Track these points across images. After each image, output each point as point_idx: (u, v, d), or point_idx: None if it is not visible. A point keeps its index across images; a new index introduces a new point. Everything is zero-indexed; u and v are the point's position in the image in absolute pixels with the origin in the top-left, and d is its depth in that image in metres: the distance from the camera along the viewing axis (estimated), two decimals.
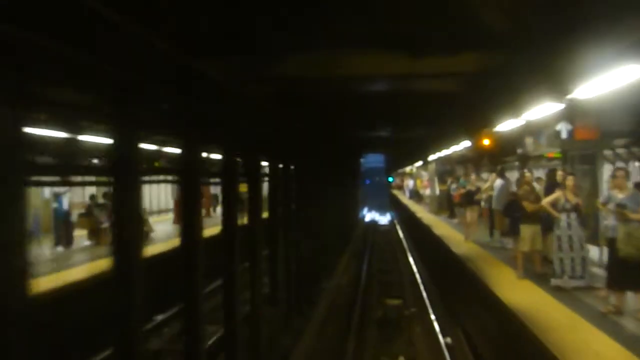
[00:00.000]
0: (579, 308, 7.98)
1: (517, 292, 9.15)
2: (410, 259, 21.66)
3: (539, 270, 10.29)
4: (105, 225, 16.34)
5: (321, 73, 6.71)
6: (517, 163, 16.32)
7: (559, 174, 10.45)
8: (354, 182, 33.25)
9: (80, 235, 16.14)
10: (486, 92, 8.89)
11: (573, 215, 8.97)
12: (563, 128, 9.57)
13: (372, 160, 57.81)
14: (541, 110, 8.11)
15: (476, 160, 24.33)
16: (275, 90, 7.64)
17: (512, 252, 12.24)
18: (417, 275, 18.00)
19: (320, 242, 15.75)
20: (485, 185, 14.92)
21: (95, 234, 16.26)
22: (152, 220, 21.25)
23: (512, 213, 11.80)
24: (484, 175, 23.45)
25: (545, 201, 9.29)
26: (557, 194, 9.19)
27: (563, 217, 8.97)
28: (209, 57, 6.20)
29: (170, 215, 23.66)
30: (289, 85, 7.61)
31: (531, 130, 11.26)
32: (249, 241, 8.40)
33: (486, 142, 12.74)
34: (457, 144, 16.11)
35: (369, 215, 50.13)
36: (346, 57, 6.47)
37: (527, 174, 10.50)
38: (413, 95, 9.00)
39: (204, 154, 6.77)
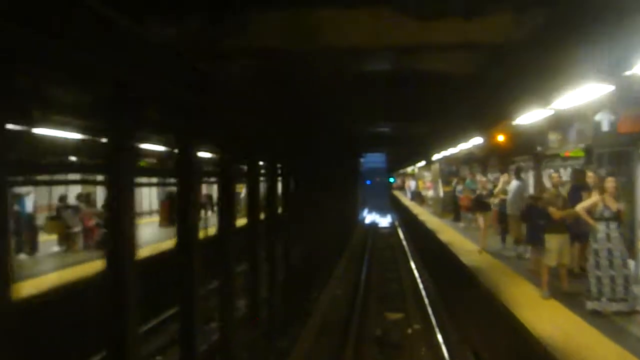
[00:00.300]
0: (624, 340, 6.42)
1: (544, 316, 7.58)
2: (412, 265, 20.08)
3: (565, 287, 8.73)
4: (77, 229, 14.88)
5: (301, 43, 5.17)
6: (521, 163, 14.68)
7: (590, 174, 8.89)
8: (352, 182, 31.72)
9: (49, 241, 14.60)
10: (508, 71, 7.35)
11: (613, 225, 7.40)
12: (604, 119, 7.98)
13: (373, 160, 56.99)
14: (581, 95, 6.54)
15: (483, 159, 22.78)
16: (248, 68, 6.09)
17: (531, 264, 10.70)
18: (421, 286, 16.42)
19: (312, 248, 14.24)
20: (497, 188, 13.32)
21: (66, 239, 14.73)
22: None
23: (532, 220, 10.26)
24: (490, 176, 21.96)
25: (581, 207, 7.72)
26: (594, 198, 7.63)
27: (601, 226, 7.40)
28: (156, 19, 4.68)
29: (153, 218, 22.10)
30: (264, 62, 6.06)
31: (559, 122, 9.68)
32: (218, 255, 6.89)
33: (500, 138, 11.19)
34: (466, 141, 14.52)
35: (369, 217, 48.58)
36: (333, 20, 4.93)
37: (554, 175, 8.91)
38: (418, 77, 7.48)
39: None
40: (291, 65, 6.62)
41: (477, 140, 13.58)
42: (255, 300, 8.27)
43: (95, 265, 11.60)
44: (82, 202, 15.56)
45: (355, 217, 33.24)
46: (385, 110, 12.24)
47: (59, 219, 14.75)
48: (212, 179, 9.72)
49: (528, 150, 12.44)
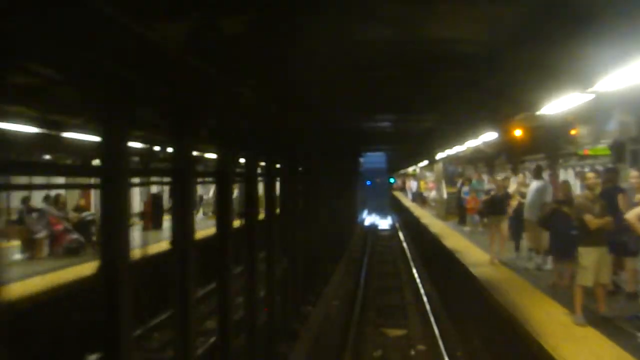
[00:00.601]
0: None
1: (582, 351, 6.07)
2: (415, 273, 18.53)
3: (603, 310, 7.23)
4: (42, 235, 13.38)
5: None
6: (538, 162, 13.12)
7: (634, 174, 7.37)
8: (351, 183, 30.21)
9: (11, 247, 13.09)
10: (537, 48, 5.85)
11: None
12: None
13: (372, 160, 56.24)
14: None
15: (492, 158, 21.27)
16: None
17: (555, 279, 9.20)
18: (425, 299, 14.88)
19: (304, 257, 12.72)
20: (512, 188, 11.78)
21: (30, 245, 13.25)
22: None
23: (558, 228, 8.77)
24: (496, 176, 20.46)
25: (633, 214, 6.21)
26: None
27: None
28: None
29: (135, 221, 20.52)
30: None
31: (593, 113, 8.15)
32: (172, 278, 5.39)
33: (517, 132, 9.67)
34: (475, 138, 12.97)
35: (368, 219, 47.09)
36: None
37: (590, 175, 7.32)
38: (426, 48, 5.97)
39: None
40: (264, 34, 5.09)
41: (487, 137, 12.01)
42: (225, 326, 6.74)
43: (60, 276, 10.20)
44: (50, 205, 14.06)
45: (353, 220, 31.71)
46: (386, 100, 10.72)
47: (22, 223, 13.26)
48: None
49: (549, 146, 10.90)
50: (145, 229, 18.27)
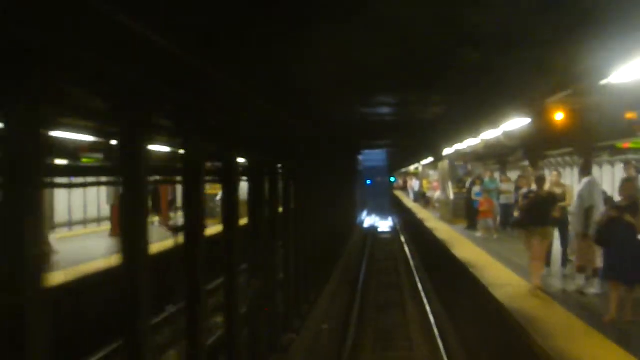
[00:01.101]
0: None
1: None
2: (420, 286, 16.10)
3: None
4: None
5: None
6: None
7: None
8: (349, 183, 27.89)
9: None
10: None
11: None
12: None
13: (372, 158, 54.78)
14: None
15: (503, 154, 18.89)
16: None
17: (615, 312, 6.83)
18: (431, 317, 12.48)
19: (286, 275, 10.40)
20: (560, 190, 9.26)
21: None
22: (67, 234, 15.83)
23: (618, 243, 6.46)
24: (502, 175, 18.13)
25: None
26: None
27: None
28: None
29: (100, 227, 18.23)
30: None
31: None
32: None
33: (559, 116, 7.29)
34: (494, 127, 10.52)
35: (368, 220, 44.82)
36: None
37: None
38: None
39: None
40: None
41: (512, 125, 9.55)
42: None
43: None
44: None
45: (352, 222, 29.37)
46: (388, 79, 8.43)
47: None
48: None
49: (603, 133, 8.45)
50: (112, 235, 15.92)
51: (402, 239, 29.13)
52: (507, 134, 10.79)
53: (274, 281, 9.43)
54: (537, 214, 7.74)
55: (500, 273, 10.14)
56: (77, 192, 16.98)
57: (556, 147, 10.94)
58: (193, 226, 5.53)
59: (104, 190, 18.23)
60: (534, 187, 8.44)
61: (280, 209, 10.51)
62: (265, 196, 9.28)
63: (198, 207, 5.58)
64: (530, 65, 6.86)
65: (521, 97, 7.94)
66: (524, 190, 9.21)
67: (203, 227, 5.59)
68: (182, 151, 5.85)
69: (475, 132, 12.67)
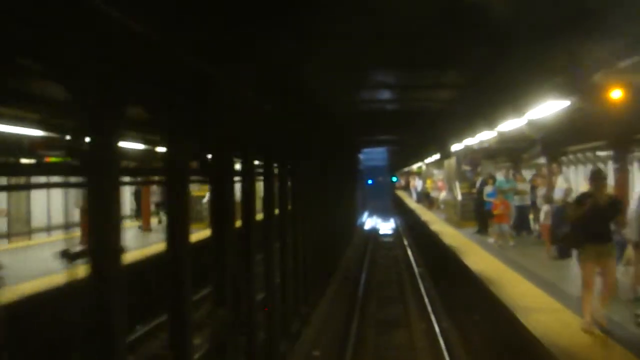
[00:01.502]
0: None
1: None
2: (427, 301, 14.28)
3: None
4: None
5: None
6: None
7: None
8: (348, 183, 26.14)
9: None
10: None
11: None
12: None
13: (373, 157, 53.73)
14: None
15: (517, 150, 17.10)
16: None
17: None
18: (441, 341, 10.68)
19: (272, 293, 8.65)
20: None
21: None
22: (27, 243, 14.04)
23: None
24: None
25: None
26: None
27: None
28: None
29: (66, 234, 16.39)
30: None
31: None
32: None
33: (617, 94, 5.50)
34: (520, 115, 8.63)
35: (369, 222, 43.06)
36: None
37: None
38: None
39: None
40: None
41: (544, 110, 7.61)
42: None
43: None
44: None
45: (349, 228, 27.63)
46: (391, 52, 6.71)
47: None
48: None
49: None
50: (83, 242, 14.14)
51: (405, 242, 27.30)
52: (531, 124, 8.97)
53: (251, 303, 7.67)
54: (595, 226, 5.64)
55: (526, 291, 8.34)
56: (39, 195, 15.18)
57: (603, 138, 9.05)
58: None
59: (73, 192, 16.55)
60: (585, 188, 6.53)
61: (269, 214, 8.87)
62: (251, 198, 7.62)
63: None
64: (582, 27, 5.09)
65: (562, 73, 6.13)
66: (574, 194, 7.28)
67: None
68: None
69: (491, 123, 10.82)
